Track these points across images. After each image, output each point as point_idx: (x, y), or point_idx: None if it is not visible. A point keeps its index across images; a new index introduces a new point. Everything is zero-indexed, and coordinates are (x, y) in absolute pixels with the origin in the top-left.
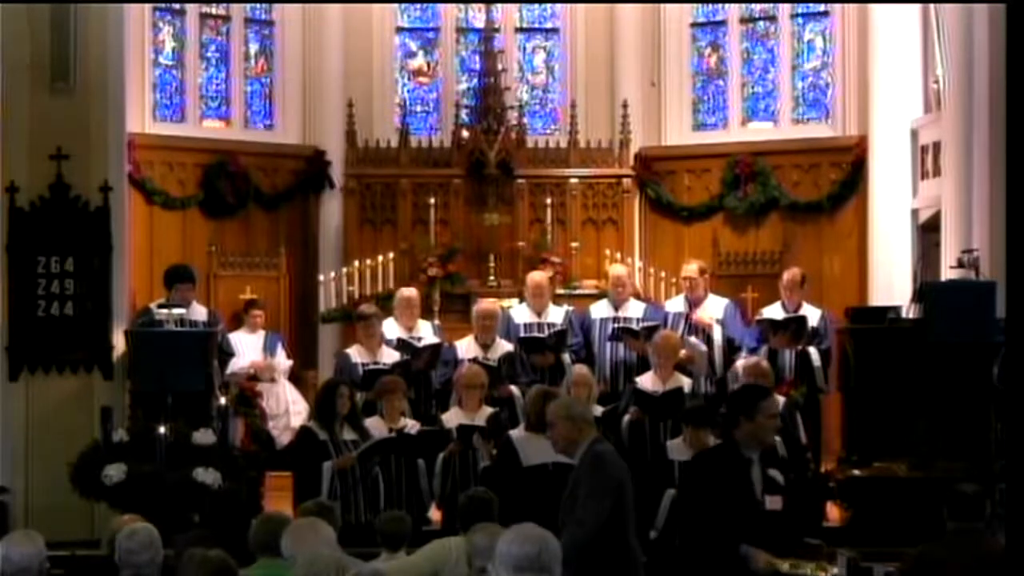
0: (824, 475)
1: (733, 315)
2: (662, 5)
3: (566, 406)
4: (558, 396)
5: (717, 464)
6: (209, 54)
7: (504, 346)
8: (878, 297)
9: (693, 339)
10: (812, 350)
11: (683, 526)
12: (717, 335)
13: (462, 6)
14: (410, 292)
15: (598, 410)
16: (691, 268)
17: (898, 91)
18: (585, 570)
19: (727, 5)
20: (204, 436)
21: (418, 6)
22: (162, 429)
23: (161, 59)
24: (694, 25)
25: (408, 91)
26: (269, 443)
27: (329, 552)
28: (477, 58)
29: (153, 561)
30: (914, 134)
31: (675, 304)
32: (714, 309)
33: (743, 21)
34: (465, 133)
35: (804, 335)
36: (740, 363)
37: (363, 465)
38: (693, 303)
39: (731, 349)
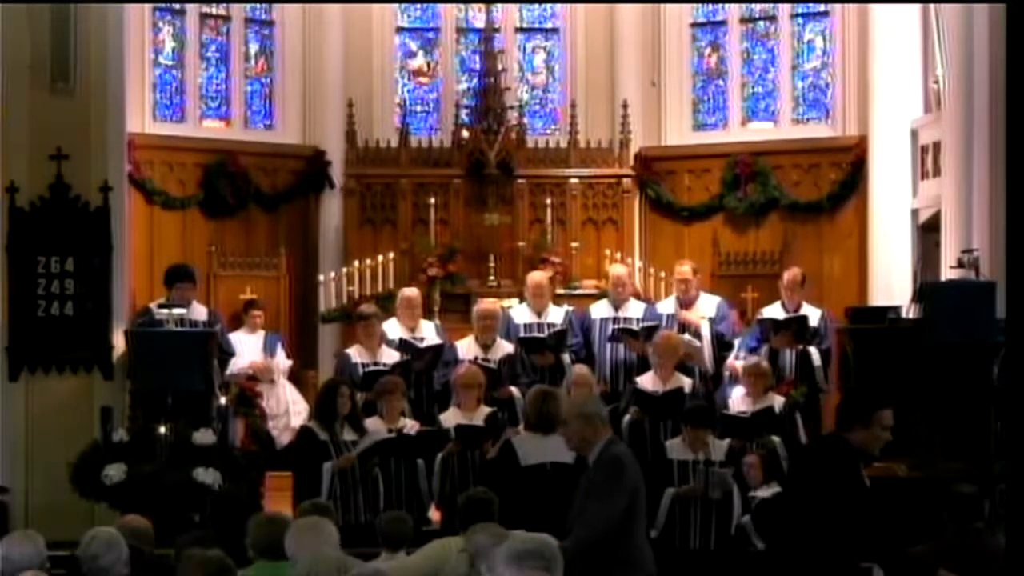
0: None
1: (726, 313)
2: (662, 5)
3: (581, 404)
4: (558, 396)
5: (838, 464)
6: (209, 54)
7: (505, 347)
8: (878, 297)
9: (686, 336)
10: (812, 350)
11: (799, 533)
12: (706, 331)
13: (462, 6)
14: (412, 292)
15: None
16: (684, 269)
17: (898, 91)
18: (592, 572)
19: (727, 5)
20: (204, 436)
21: (418, 6)
22: (162, 429)
23: (161, 59)
24: (694, 25)
25: (408, 91)
26: (269, 443)
27: (331, 552)
28: (477, 58)
29: (119, 559)
30: (914, 134)
31: (666, 306)
32: (706, 308)
33: (743, 21)
34: (465, 133)
35: (805, 335)
36: (740, 363)
37: (363, 465)
38: (685, 304)
39: (721, 346)
